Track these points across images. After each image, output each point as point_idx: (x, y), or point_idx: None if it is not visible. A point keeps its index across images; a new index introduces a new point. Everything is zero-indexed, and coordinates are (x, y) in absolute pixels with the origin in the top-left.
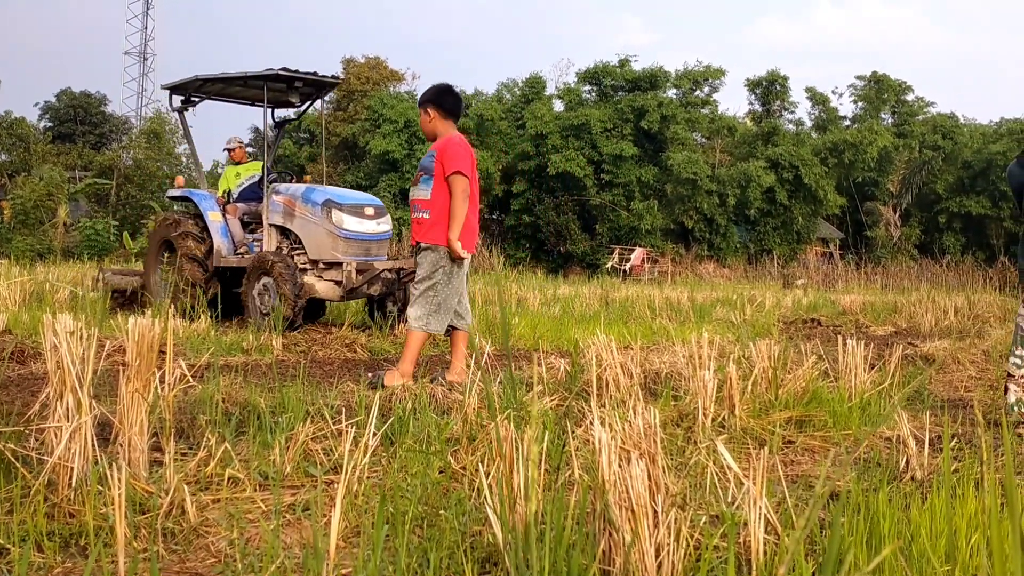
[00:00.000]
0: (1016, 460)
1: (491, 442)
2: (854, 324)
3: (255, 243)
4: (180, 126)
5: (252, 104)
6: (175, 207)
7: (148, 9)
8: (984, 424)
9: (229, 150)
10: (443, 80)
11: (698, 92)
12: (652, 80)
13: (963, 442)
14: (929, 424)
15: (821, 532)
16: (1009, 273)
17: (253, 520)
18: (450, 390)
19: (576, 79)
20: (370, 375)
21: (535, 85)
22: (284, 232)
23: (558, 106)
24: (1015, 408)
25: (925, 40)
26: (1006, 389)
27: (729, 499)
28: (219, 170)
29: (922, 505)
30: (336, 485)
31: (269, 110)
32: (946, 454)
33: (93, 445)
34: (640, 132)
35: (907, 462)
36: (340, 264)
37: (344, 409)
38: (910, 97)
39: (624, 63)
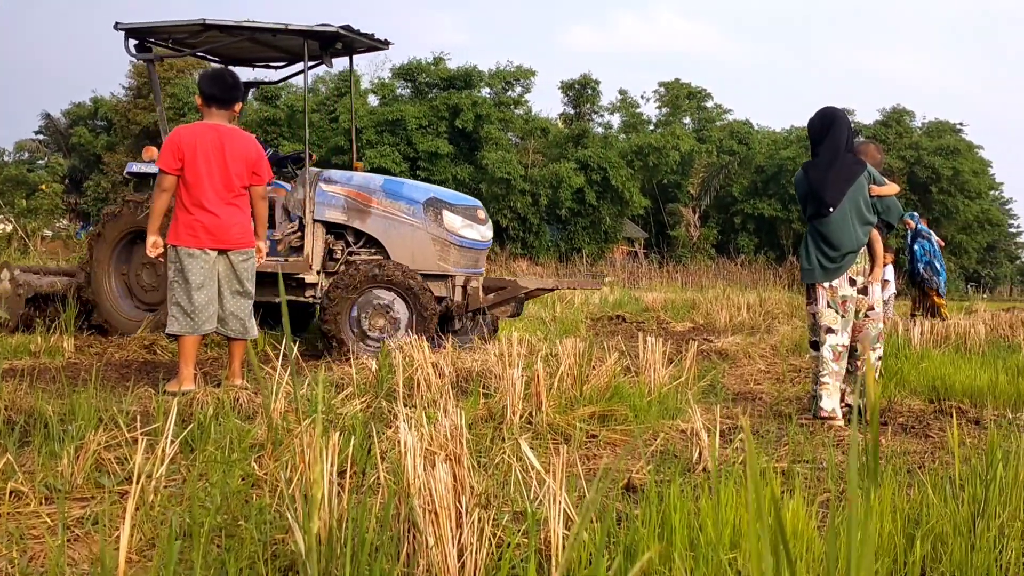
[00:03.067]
0: (796, 450)
1: (295, 448)
2: (656, 320)
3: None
4: (151, 82)
5: (254, 65)
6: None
7: None
8: (747, 423)
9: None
10: (250, 68)
11: (511, 92)
12: (466, 79)
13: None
14: (720, 417)
15: (619, 525)
16: (797, 272)
17: (37, 536)
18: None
19: (391, 74)
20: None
21: (349, 78)
22: (335, 230)
23: (373, 101)
24: (815, 402)
25: (722, 51)
26: None
27: (532, 496)
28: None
29: (709, 495)
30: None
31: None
32: (713, 449)
33: None
34: (455, 130)
35: (700, 454)
36: (444, 278)
37: (141, 415)
38: (709, 104)
39: (439, 61)
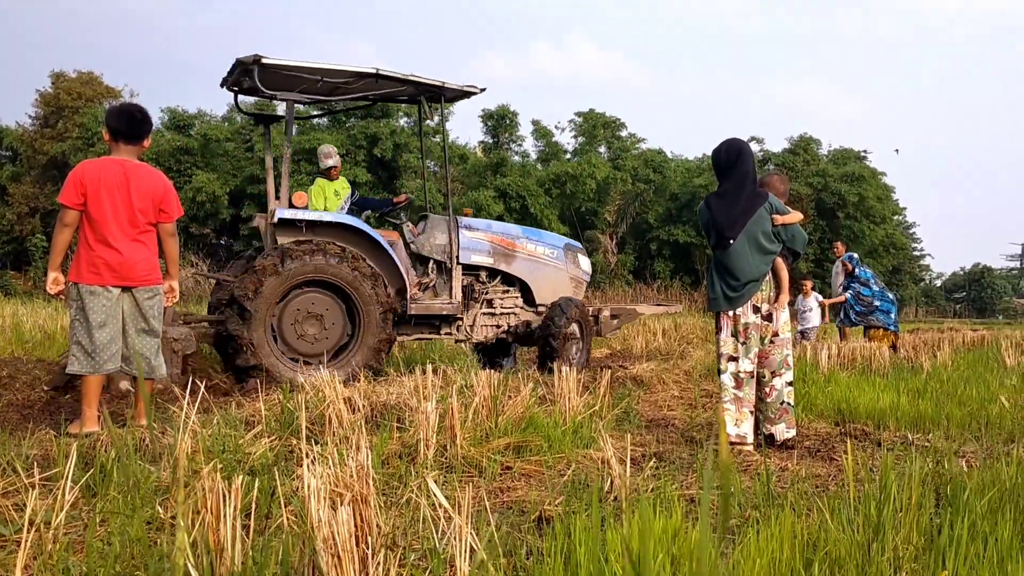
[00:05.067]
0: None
1: (197, 492)
2: None
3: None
4: (287, 124)
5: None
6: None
7: None
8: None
9: (328, 166)
10: (163, 97)
11: (429, 121)
12: (384, 108)
13: (661, 460)
14: (632, 445)
15: (528, 558)
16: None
17: None
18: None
19: (307, 103)
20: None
21: (265, 108)
22: (471, 271)
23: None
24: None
25: (635, 82)
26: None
27: (440, 533)
28: None
29: (614, 525)
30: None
31: (235, 97)
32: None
33: None
34: (373, 159)
35: (612, 483)
36: None
37: (41, 459)
38: (624, 133)
39: None
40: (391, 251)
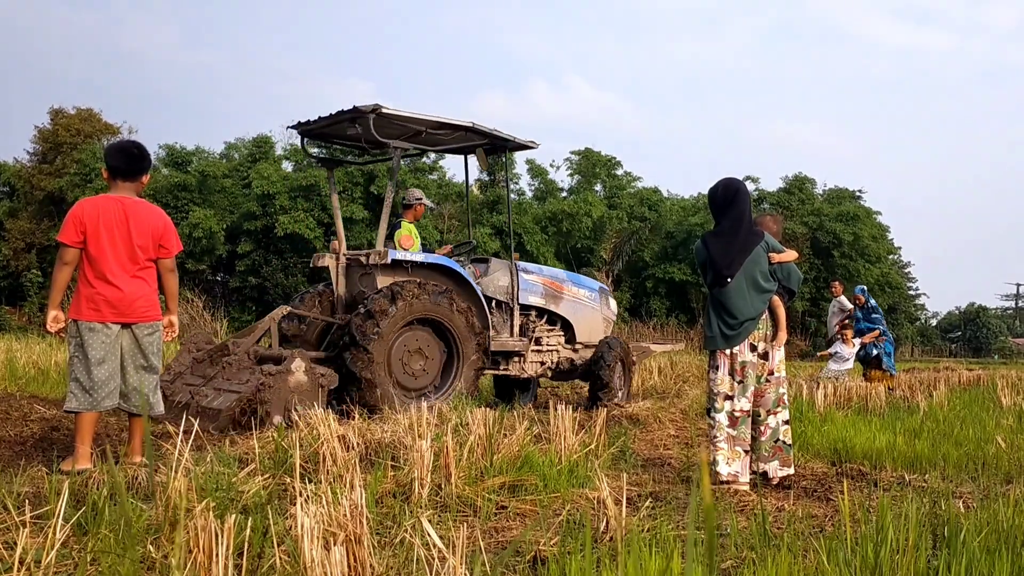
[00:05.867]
0: (689, 516)
1: (189, 530)
2: (570, 385)
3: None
4: (391, 171)
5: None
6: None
7: None
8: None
9: (411, 206)
10: (161, 134)
11: (426, 159)
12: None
13: (657, 500)
14: (627, 484)
15: None
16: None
17: None
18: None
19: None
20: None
21: (263, 145)
22: (524, 310)
23: (287, 166)
24: (712, 467)
25: (630, 121)
26: None
27: (434, 574)
28: None
29: (610, 565)
30: None
31: (315, 149)
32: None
33: None
34: (370, 196)
35: (607, 523)
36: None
37: (33, 497)
38: (619, 172)
39: None
40: (480, 294)
